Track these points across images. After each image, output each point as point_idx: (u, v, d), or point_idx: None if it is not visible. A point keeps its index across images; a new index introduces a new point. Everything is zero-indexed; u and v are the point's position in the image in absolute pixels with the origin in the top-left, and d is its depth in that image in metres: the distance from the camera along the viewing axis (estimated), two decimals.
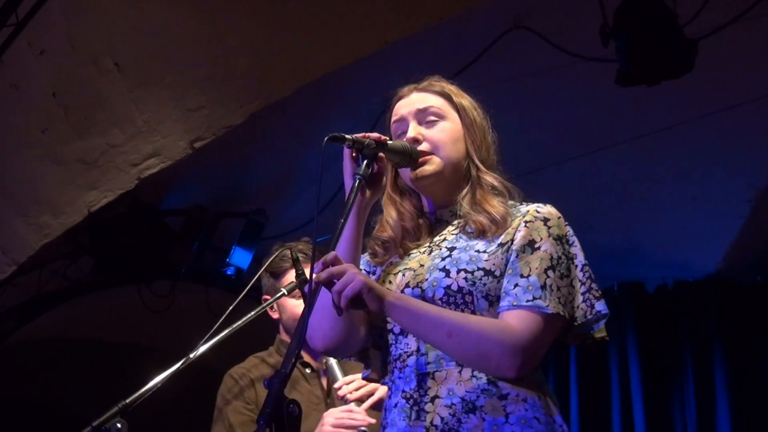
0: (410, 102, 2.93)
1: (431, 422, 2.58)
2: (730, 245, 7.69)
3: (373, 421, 3.83)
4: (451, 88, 2.97)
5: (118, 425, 3.43)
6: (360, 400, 3.87)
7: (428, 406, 2.60)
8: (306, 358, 4.26)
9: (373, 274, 2.90)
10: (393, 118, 2.95)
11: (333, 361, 4.02)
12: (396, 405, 2.68)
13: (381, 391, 3.84)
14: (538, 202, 2.83)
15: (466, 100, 2.96)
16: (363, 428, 3.83)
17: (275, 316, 4.35)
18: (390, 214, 2.92)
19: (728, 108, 6.26)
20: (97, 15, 5.58)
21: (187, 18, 5.56)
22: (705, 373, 7.68)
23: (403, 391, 2.67)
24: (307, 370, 4.24)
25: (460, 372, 2.60)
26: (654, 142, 6.63)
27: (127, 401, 3.52)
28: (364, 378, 2.99)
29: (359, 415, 3.83)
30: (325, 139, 2.63)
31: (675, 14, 5.00)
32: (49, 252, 6.53)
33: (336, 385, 3.93)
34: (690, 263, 7.91)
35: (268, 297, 4.30)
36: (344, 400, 3.88)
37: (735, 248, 7.70)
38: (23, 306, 7.21)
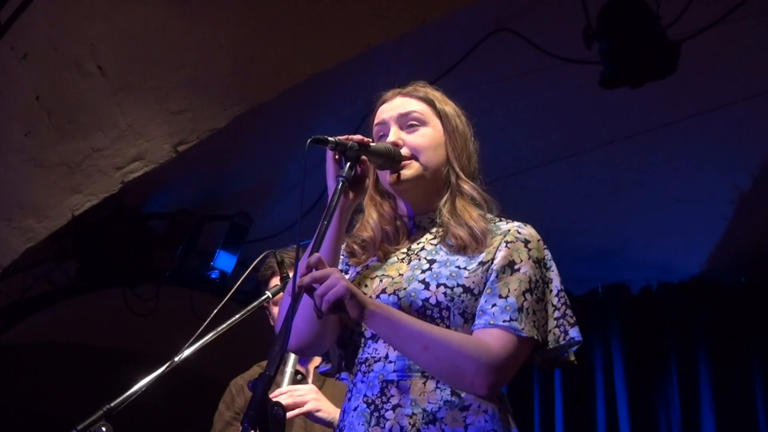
0: (393, 106, 2.93)
1: (390, 430, 2.58)
2: (714, 247, 7.72)
3: None
4: (435, 95, 2.97)
5: (103, 429, 3.43)
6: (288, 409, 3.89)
7: (389, 414, 2.60)
8: (297, 365, 4.27)
9: (346, 273, 2.90)
10: (375, 121, 2.95)
11: (289, 371, 4.03)
12: (356, 408, 2.68)
13: (309, 405, 3.87)
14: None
15: (449, 107, 2.95)
16: None
17: (273, 322, 4.35)
18: (371, 215, 2.92)
19: (711, 110, 6.27)
20: (79, 18, 5.58)
21: (170, 21, 5.55)
22: (689, 374, 7.70)
23: (365, 395, 2.66)
24: (298, 377, 4.24)
25: (424, 383, 2.61)
26: (637, 144, 6.65)
27: (112, 405, 3.52)
28: (321, 372, 2.99)
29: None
30: (308, 141, 2.62)
31: (658, 16, 5.01)
32: (34, 256, 6.51)
33: (272, 394, 3.94)
34: (674, 265, 7.93)
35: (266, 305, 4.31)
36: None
37: (719, 250, 7.72)
38: (7, 310, 7.19)
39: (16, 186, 6.10)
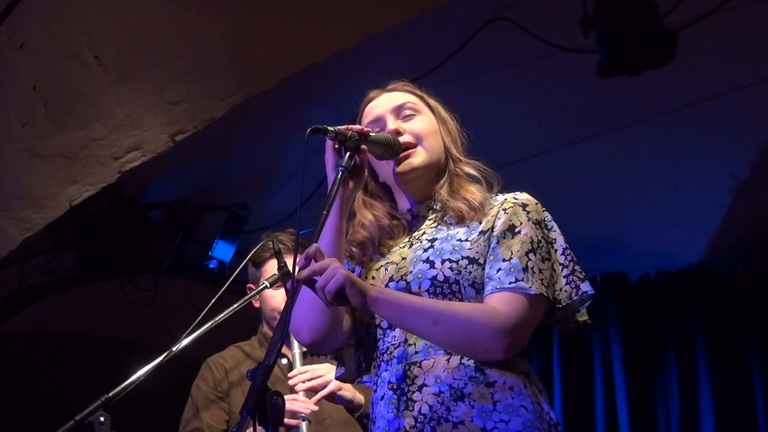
0: (384, 101, 2.97)
1: (419, 411, 2.58)
2: (712, 235, 7.72)
3: (315, 408, 3.88)
4: (420, 91, 3.04)
5: (101, 419, 3.44)
6: (311, 391, 3.91)
7: (416, 395, 2.60)
8: (284, 349, 4.27)
9: (353, 271, 2.88)
10: (366, 120, 2.97)
11: (297, 351, 4.04)
12: (383, 397, 2.68)
13: (332, 385, 3.88)
14: (520, 193, 2.85)
15: (435, 101, 3.02)
16: (303, 415, 3.87)
17: (257, 304, 4.36)
18: (365, 216, 2.93)
19: (709, 98, 6.26)
20: (77, 8, 5.56)
21: (167, 11, 5.55)
22: (687, 363, 7.71)
23: (390, 382, 2.67)
24: (283, 361, 4.25)
25: (448, 360, 2.61)
26: (635, 133, 6.64)
27: (110, 395, 3.53)
28: (337, 377, 3.00)
29: (301, 403, 3.87)
30: (308, 130, 2.63)
31: (655, 4, 5.01)
32: (31, 246, 6.50)
33: (290, 374, 3.96)
34: (672, 253, 7.94)
35: (252, 286, 4.33)
36: (295, 390, 3.92)
37: (717, 238, 7.72)
38: (5, 301, 7.19)
39: (13, 176, 6.08)
